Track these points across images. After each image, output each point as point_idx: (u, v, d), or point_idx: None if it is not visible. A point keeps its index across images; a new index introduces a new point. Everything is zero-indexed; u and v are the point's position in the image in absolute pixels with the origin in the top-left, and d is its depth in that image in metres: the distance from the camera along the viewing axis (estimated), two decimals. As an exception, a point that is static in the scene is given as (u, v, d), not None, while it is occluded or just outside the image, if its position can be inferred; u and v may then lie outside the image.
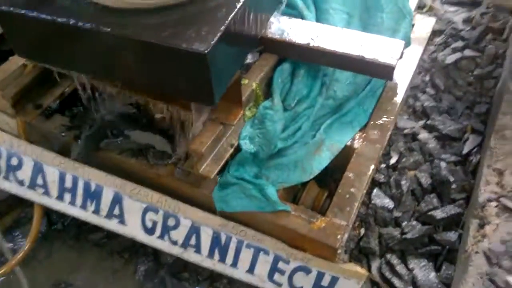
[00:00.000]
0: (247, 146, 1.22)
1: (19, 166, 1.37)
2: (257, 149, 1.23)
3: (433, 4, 2.41)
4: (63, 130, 1.41)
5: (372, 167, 1.33)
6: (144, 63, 0.98)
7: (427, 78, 2.05)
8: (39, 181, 1.37)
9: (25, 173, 1.37)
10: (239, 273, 1.30)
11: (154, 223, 1.32)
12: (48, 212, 1.59)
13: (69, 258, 1.56)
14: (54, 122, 1.43)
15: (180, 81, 0.97)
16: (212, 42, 0.90)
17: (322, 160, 1.34)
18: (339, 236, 1.17)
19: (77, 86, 1.21)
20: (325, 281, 1.24)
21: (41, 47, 1.09)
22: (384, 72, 1.25)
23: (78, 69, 1.11)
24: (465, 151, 1.73)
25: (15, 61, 1.64)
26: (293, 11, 1.41)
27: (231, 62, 1.05)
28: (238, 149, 1.23)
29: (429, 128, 1.85)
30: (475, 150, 1.72)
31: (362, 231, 1.56)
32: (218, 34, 0.92)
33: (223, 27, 0.94)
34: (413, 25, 1.78)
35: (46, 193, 1.37)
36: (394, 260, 1.46)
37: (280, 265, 1.26)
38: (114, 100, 1.30)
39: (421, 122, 1.89)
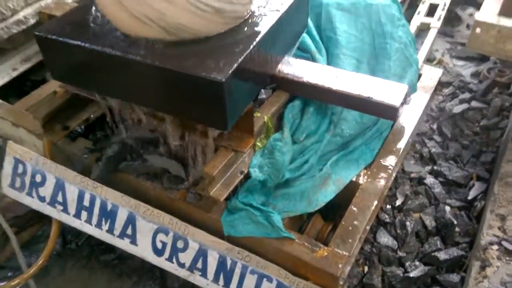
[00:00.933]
0: (256, 174, 1.29)
1: (42, 183, 1.46)
2: (266, 178, 1.30)
3: (442, 57, 2.53)
4: (86, 152, 1.51)
5: (376, 202, 1.38)
6: (167, 89, 1.09)
7: (435, 126, 2.13)
8: (59, 198, 1.45)
9: (47, 190, 1.46)
10: (242, 300, 1.33)
11: (164, 245, 1.37)
12: (63, 232, 1.66)
13: (80, 276, 1.61)
14: (78, 145, 1.54)
15: (198, 107, 1.07)
16: (229, 73, 1.00)
17: (328, 193, 1.40)
18: (340, 265, 1.21)
19: (104, 110, 1.32)
20: (326, 311, 1.26)
21: (76, 72, 1.21)
22: (389, 112, 1.32)
23: (108, 93, 1.23)
24: (470, 197, 1.77)
25: (47, 88, 1.79)
26: (305, 54, 1.53)
27: (244, 93, 1.15)
28: (247, 176, 1.30)
29: (436, 174, 1.90)
30: (479, 196, 1.76)
31: (366, 268, 1.59)
32: (234, 66, 1.02)
33: (239, 61, 1.05)
34: (420, 75, 1.89)
35: (65, 210, 1.45)
36: (396, 299, 1.47)
37: (283, 292, 1.29)
38: (135, 126, 1.40)
39: (428, 168, 1.94)
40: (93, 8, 1.25)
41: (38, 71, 2.32)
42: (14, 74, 1.85)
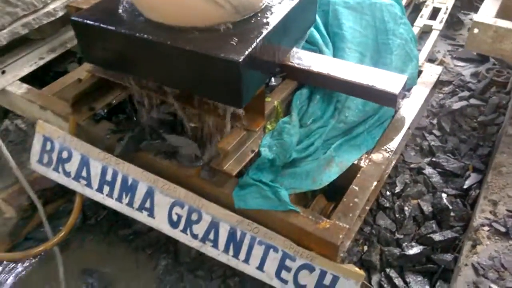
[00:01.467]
0: (266, 153, 1.41)
1: (68, 159, 1.59)
2: (274, 157, 1.42)
3: (444, 58, 2.65)
4: (108, 133, 1.63)
5: (375, 183, 1.49)
6: (189, 69, 1.21)
7: (435, 121, 2.24)
8: (84, 173, 1.57)
9: (72, 165, 1.58)
10: (250, 269, 1.44)
11: (179, 217, 1.49)
12: (83, 209, 1.78)
13: (98, 250, 1.73)
14: (101, 126, 1.66)
15: (217, 86, 1.20)
16: (245, 54, 1.13)
17: (331, 174, 1.52)
18: (341, 236, 1.32)
19: (128, 93, 1.44)
20: (327, 280, 1.37)
21: (107, 55, 1.34)
22: (389, 99, 1.44)
23: (135, 74, 1.36)
24: (465, 186, 1.88)
25: (71, 76, 1.94)
26: (313, 47, 1.66)
27: (257, 76, 1.28)
28: (257, 155, 1.42)
29: (434, 165, 2.01)
30: (475, 185, 1.87)
31: (365, 248, 1.70)
32: (249, 49, 1.15)
33: (253, 45, 1.17)
34: (421, 71, 2.00)
35: (88, 184, 1.57)
36: (393, 274, 1.58)
37: (287, 262, 1.40)
38: (156, 108, 1.53)
39: (427, 159, 2.05)
40: (122, -2, 1.40)
41: (61, 63, 2.47)
42: (41, 63, 1.99)
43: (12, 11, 1.69)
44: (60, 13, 1.87)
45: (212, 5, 1.19)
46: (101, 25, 1.26)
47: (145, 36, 1.21)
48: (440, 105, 2.32)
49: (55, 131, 1.60)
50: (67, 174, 1.60)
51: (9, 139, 2.13)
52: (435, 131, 2.18)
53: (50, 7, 1.83)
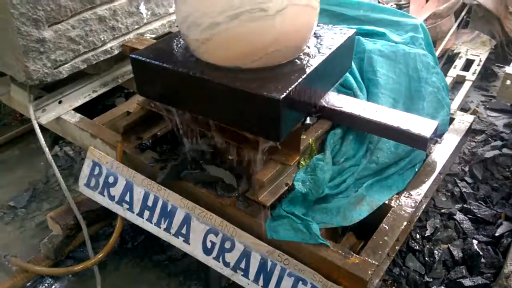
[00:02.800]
0: (299, 187, 1.48)
1: (114, 183, 1.70)
2: (307, 191, 1.49)
3: (477, 108, 2.69)
4: (152, 161, 1.74)
5: (405, 223, 1.53)
6: (234, 105, 1.32)
7: (467, 168, 2.26)
8: (127, 198, 1.68)
9: (117, 190, 1.70)
10: (279, 301, 1.48)
11: (213, 244, 1.56)
12: (122, 233, 1.87)
13: (133, 273, 1.81)
14: (145, 155, 1.78)
15: (259, 121, 1.30)
16: (285, 93, 1.23)
17: (362, 211, 1.56)
18: (370, 272, 1.35)
19: (176, 124, 1.56)
20: (354, 315, 1.39)
21: (158, 89, 1.48)
22: (420, 142, 1.50)
23: (183, 107, 1.48)
24: (497, 234, 1.87)
25: (120, 109, 2.10)
26: (348, 91, 1.75)
27: (295, 114, 1.37)
28: (291, 189, 1.50)
29: (465, 211, 2.01)
30: (507, 234, 1.86)
31: (394, 289, 1.70)
32: (289, 89, 1.25)
33: (293, 86, 1.28)
34: (454, 119, 2.06)
35: (130, 208, 1.68)
36: (421, 317, 1.57)
37: (316, 296, 1.43)
38: (198, 140, 1.64)
39: (458, 206, 2.06)
40: (175, 40, 1.55)
41: (109, 97, 2.67)
42: (94, 95, 2.17)
43: (75, 48, 1.88)
44: (116, 51, 2.06)
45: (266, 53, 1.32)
46: (157, 62, 1.40)
47: (196, 74, 1.33)
48: (472, 153, 2.34)
49: (104, 157, 1.73)
50: (112, 197, 1.71)
51: (57, 164, 2.29)
52: (467, 178, 2.20)
53: (108, 46, 2.02)
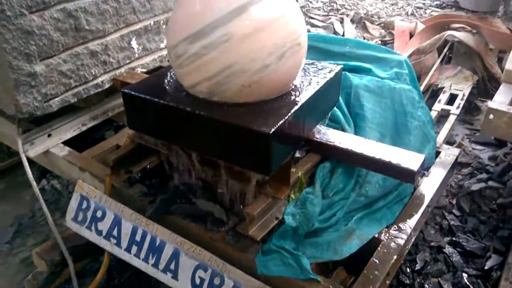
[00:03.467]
0: (289, 221, 1.48)
1: (102, 218, 1.68)
2: (298, 225, 1.48)
3: (462, 141, 2.74)
4: (141, 195, 1.73)
5: (395, 257, 1.53)
6: (223, 139, 1.33)
7: (454, 201, 2.28)
8: (115, 232, 1.65)
9: (105, 224, 1.67)
10: (270, 338, 1.45)
11: (202, 281, 1.53)
12: (108, 268, 1.83)
13: (119, 310, 1.76)
14: (135, 189, 1.77)
15: (249, 154, 1.31)
16: (274, 128, 1.25)
17: (352, 245, 1.56)
18: (361, 307, 1.34)
19: (166, 157, 1.57)
20: None
21: (149, 123, 1.49)
22: (407, 176, 1.52)
23: (173, 141, 1.49)
24: (486, 267, 1.88)
25: (110, 142, 2.10)
26: (336, 125, 1.78)
27: (284, 147, 1.39)
28: (281, 223, 1.49)
29: (454, 244, 2.02)
30: (496, 267, 1.86)
31: (385, 324, 1.68)
32: (278, 123, 1.27)
33: (282, 120, 1.30)
34: (440, 152, 2.09)
35: (118, 243, 1.65)
36: None
37: (306, 333, 1.40)
38: (187, 173, 1.64)
39: (447, 238, 2.07)
40: (166, 75, 1.57)
41: (99, 130, 2.67)
42: (84, 128, 2.16)
43: (66, 82, 1.89)
44: (107, 85, 2.08)
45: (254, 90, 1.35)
46: (148, 97, 1.42)
47: (186, 108, 1.35)
48: (459, 186, 2.37)
49: (92, 191, 1.71)
50: (99, 232, 1.68)
51: (44, 198, 2.26)
52: (454, 211, 2.22)
53: (99, 80, 2.04)
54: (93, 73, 1.99)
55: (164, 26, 2.25)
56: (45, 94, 1.83)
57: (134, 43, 2.12)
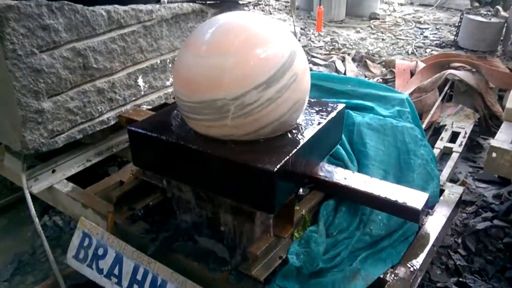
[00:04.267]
0: (293, 260, 1.46)
1: (103, 256, 1.66)
2: (302, 265, 1.46)
3: (465, 179, 2.73)
4: (143, 233, 1.72)
5: (401, 298, 1.49)
6: (227, 177, 1.34)
7: (459, 240, 2.25)
8: (116, 271, 1.63)
9: (106, 263, 1.65)
10: None
11: (203, 322, 1.49)
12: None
13: None
14: (137, 226, 1.76)
15: (252, 192, 1.31)
16: (278, 165, 1.25)
17: (357, 286, 1.52)
18: None
19: (170, 194, 1.57)
20: None
21: (154, 160, 1.50)
22: (412, 215, 1.51)
23: (177, 178, 1.49)
24: (495, 309, 1.83)
25: (113, 178, 2.10)
26: (339, 162, 1.79)
27: (288, 186, 1.39)
28: (284, 262, 1.47)
29: (461, 285, 1.98)
30: (505, 309, 1.81)
31: None
32: (282, 161, 1.28)
33: (285, 158, 1.31)
34: (444, 190, 2.08)
35: (119, 283, 1.62)
36: None
37: None
38: (190, 211, 1.63)
39: (454, 279, 2.03)
40: (172, 113, 1.60)
41: (102, 165, 2.67)
42: (88, 164, 2.17)
43: (73, 118, 1.92)
44: (112, 122, 2.10)
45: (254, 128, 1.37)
46: (153, 134, 1.43)
47: (190, 145, 1.37)
48: (464, 225, 2.34)
49: (94, 228, 1.70)
50: (100, 271, 1.66)
51: (46, 234, 2.24)
52: (460, 250, 2.18)
53: (105, 116, 2.07)
54: (99, 110, 2.02)
55: (170, 65, 2.30)
56: (52, 131, 1.85)
57: (140, 81, 2.17)
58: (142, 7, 2.09)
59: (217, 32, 1.38)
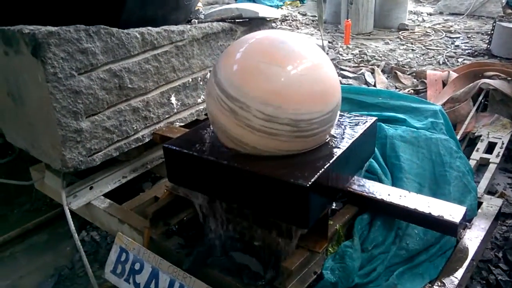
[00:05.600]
0: (329, 276, 1.45)
1: (140, 270, 1.69)
2: (337, 281, 1.45)
3: (504, 191, 2.64)
4: (178, 247, 1.74)
5: (441, 315, 1.46)
6: (261, 192, 1.35)
7: (500, 254, 2.17)
8: (152, 285, 1.65)
9: (142, 277, 1.68)
10: None
11: (238, 337, 1.50)
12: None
13: None
14: (171, 241, 1.79)
15: (286, 208, 1.31)
16: (311, 180, 1.26)
17: (394, 302, 1.50)
18: None
19: (204, 210, 1.59)
20: None
21: (188, 176, 1.53)
22: (449, 228, 1.48)
23: (210, 193, 1.52)
24: (542, 327, 1.75)
25: (148, 194, 2.14)
26: (373, 176, 1.77)
27: (322, 200, 1.39)
28: (319, 277, 1.46)
29: (504, 301, 1.90)
30: (553, 327, 1.73)
31: None
32: (316, 176, 1.28)
33: (319, 173, 1.31)
34: (481, 203, 2.03)
35: (155, 297, 1.65)
36: None
37: None
38: (225, 226, 1.65)
39: (496, 296, 1.95)
40: (203, 130, 1.63)
41: (137, 181, 2.74)
42: (124, 181, 2.23)
43: (109, 137, 1.98)
44: (147, 139, 2.16)
45: (290, 143, 1.39)
46: (187, 151, 1.47)
47: (224, 162, 1.39)
48: (505, 238, 2.26)
49: (131, 243, 1.74)
50: (137, 285, 1.69)
51: (84, 249, 2.30)
52: (501, 265, 2.10)
53: (139, 134, 2.13)
54: (135, 128, 2.09)
55: (201, 83, 2.35)
56: (90, 149, 1.92)
57: (173, 99, 2.22)
58: (173, 28, 2.16)
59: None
